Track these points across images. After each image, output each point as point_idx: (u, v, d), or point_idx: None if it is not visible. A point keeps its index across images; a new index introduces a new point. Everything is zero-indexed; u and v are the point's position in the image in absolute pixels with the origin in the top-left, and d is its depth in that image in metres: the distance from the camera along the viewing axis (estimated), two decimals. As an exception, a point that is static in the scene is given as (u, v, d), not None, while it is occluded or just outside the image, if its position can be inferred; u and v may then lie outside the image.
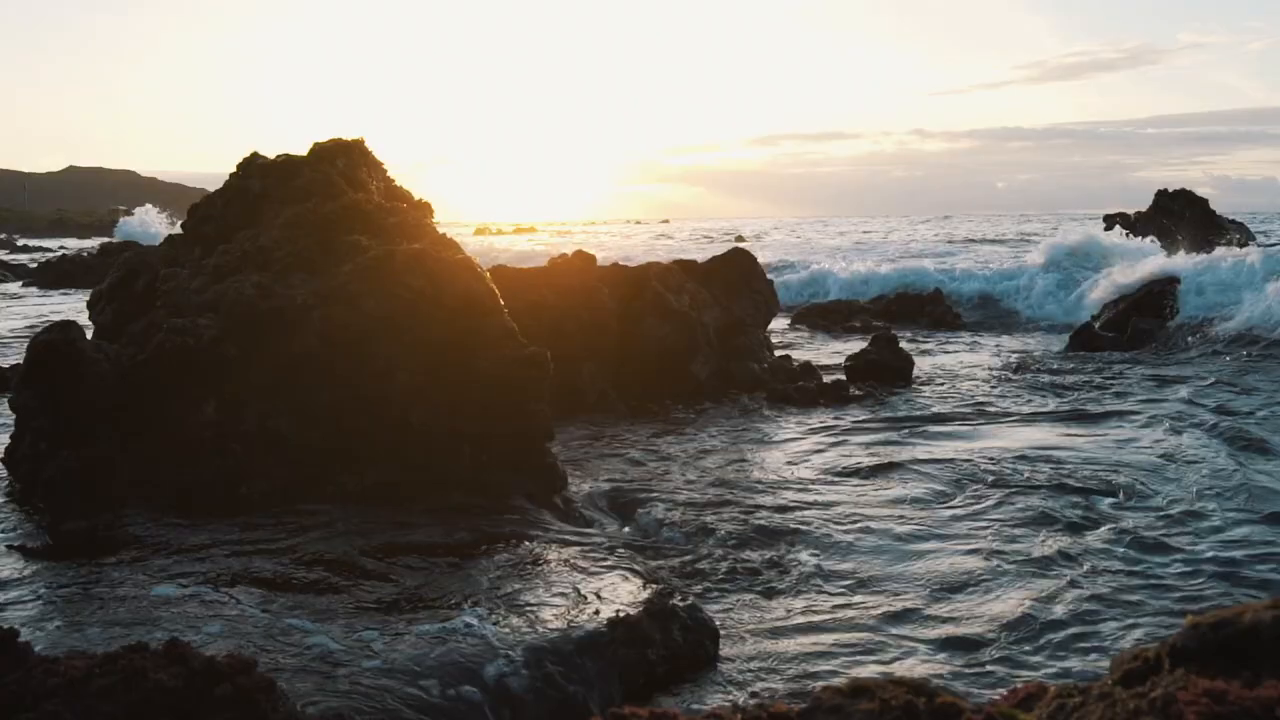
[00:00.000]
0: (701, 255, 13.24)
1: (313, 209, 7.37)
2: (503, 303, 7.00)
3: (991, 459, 7.47)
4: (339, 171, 7.98)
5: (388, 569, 4.62)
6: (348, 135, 8.52)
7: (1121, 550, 5.40)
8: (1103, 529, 5.77)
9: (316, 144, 8.29)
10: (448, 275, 6.66)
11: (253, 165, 8.18)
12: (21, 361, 6.12)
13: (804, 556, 5.33)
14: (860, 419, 9.01)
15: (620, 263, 11.25)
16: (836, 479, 7.03)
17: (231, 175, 8.32)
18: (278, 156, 8.29)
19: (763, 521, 5.91)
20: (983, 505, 6.33)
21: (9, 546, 5.39)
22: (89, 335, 7.02)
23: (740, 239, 42.60)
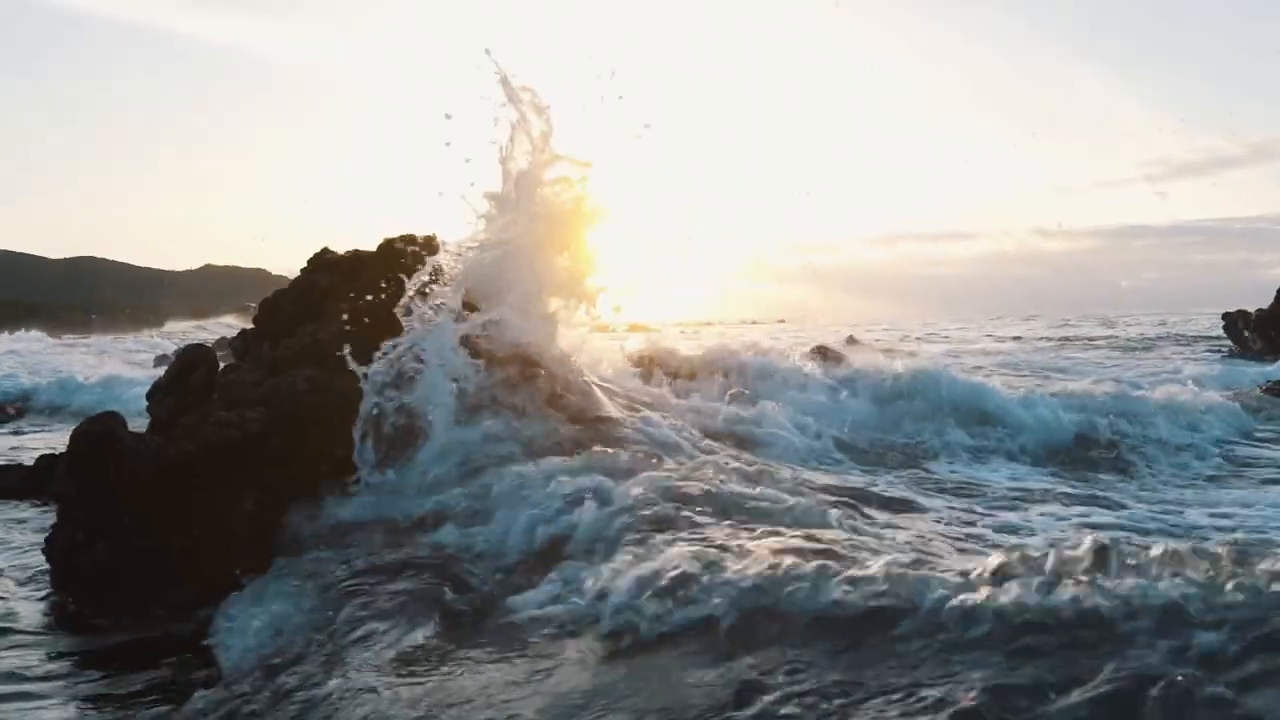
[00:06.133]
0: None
1: (373, 304, 7.36)
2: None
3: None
4: (404, 267, 7.98)
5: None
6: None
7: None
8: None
9: (385, 239, 8.33)
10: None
11: (321, 261, 8.26)
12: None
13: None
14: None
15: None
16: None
17: (302, 270, 8.42)
18: (346, 252, 8.36)
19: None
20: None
21: (37, 638, 5.34)
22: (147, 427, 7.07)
23: (851, 339, 41.99)
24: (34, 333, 42.56)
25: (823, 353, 12.56)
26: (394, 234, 8.33)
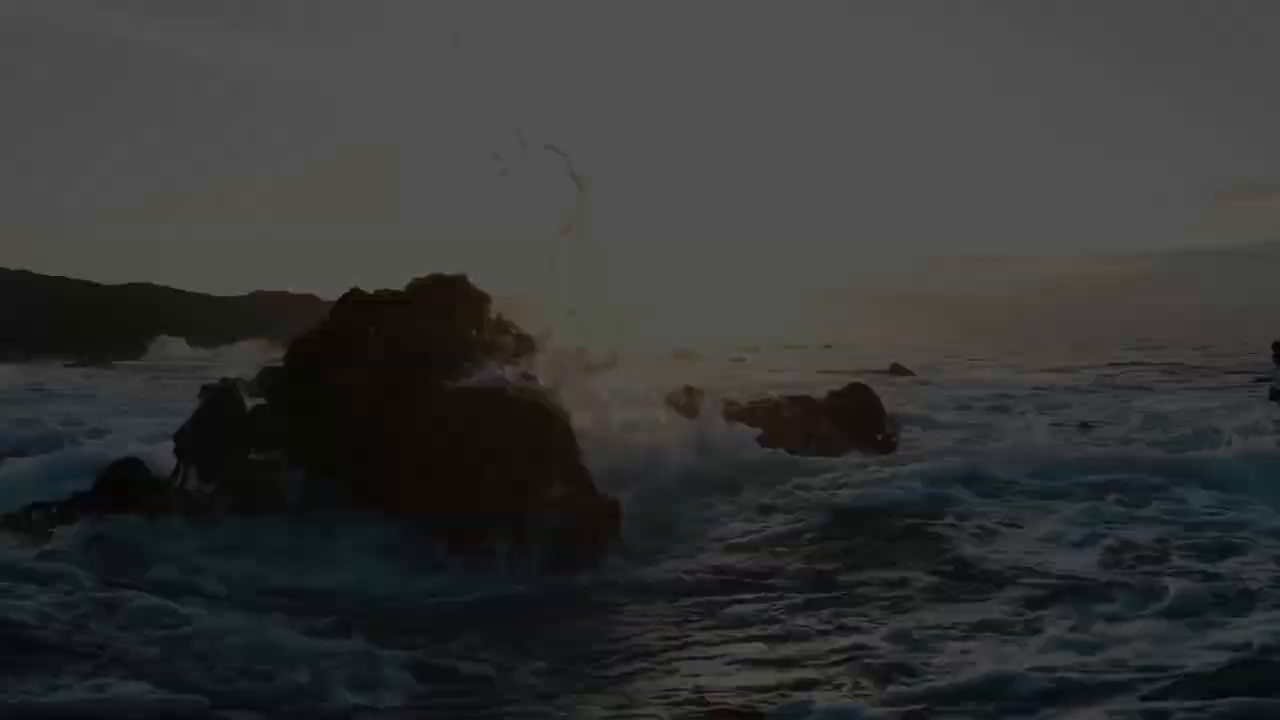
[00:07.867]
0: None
1: (396, 347, 7.41)
2: (577, 444, 6.91)
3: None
4: (432, 308, 8.02)
5: None
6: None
7: None
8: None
9: (416, 279, 8.39)
10: (514, 415, 6.61)
11: (348, 302, 8.31)
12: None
13: None
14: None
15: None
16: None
17: (330, 311, 8.47)
18: (376, 292, 8.40)
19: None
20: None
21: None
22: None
23: (896, 367, 41.51)
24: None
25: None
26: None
